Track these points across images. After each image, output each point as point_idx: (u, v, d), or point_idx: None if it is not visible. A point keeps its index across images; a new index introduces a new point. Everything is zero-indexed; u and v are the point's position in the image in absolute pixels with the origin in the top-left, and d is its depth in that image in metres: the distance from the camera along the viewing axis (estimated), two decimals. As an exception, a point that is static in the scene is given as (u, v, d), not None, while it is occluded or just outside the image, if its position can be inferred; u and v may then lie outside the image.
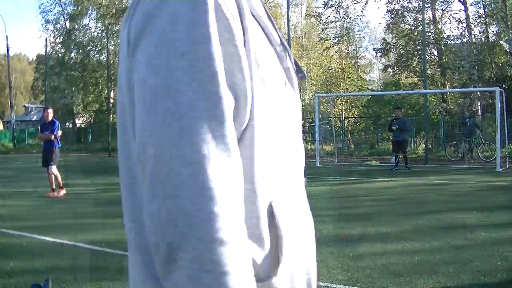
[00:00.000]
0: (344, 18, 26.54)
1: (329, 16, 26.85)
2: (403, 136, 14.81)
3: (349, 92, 27.17)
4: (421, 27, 20.97)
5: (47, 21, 37.73)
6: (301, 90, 38.71)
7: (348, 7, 26.28)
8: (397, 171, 14.27)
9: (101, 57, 34.77)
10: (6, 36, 52.27)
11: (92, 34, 35.49)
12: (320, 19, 27.32)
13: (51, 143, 9.60)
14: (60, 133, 9.86)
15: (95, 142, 32.89)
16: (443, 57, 23.04)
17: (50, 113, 9.66)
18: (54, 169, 9.59)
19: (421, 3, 20.80)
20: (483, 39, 23.26)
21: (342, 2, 25.76)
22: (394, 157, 15.21)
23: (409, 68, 24.85)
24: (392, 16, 24.62)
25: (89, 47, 34.96)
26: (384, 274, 4.35)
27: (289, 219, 0.81)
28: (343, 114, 28.07)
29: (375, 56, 33.57)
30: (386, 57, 27.81)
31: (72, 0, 35.78)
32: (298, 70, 0.92)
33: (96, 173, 15.00)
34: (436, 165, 16.28)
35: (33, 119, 55.98)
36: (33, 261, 4.93)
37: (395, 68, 25.79)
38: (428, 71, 22.66)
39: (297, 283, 0.83)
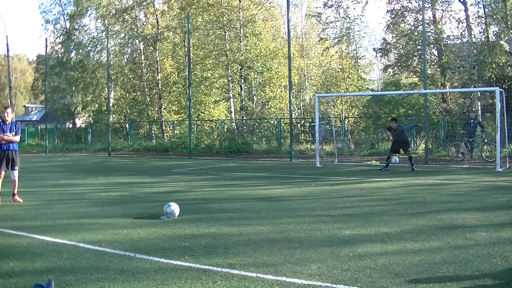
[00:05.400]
0: (344, 18, 26.55)
1: (329, 16, 26.88)
2: (402, 137, 14.78)
3: (349, 92, 27.18)
4: (421, 27, 20.95)
5: (47, 21, 37.84)
6: (301, 90, 38.76)
7: (348, 7, 26.33)
8: (386, 171, 14.32)
9: (101, 57, 34.77)
10: (6, 36, 52.25)
11: (92, 34, 35.54)
12: (320, 19, 27.31)
13: (14, 146, 8.91)
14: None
15: (95, 142, 32.88)
16: (443, 57, 23.02)
17: (10, 113, 8.83)
18: (17, 173, 9.02)
19: (421, 3, 20.79)
20: (483, 39, 23.24)
21: (342, 2, 25.78)
22: (387, 157, 15.19)
23: (409, 68, 24.84)
24: (392, 16, 24.62)
25: (89, 47, 34.96)
26: (384, 274, 4.35)
27: None
28: (343, 114, 28.08)
29: (375, 56, 33.69)
30: (386, 57, 27.80)
31: (72, 0, 35.80)
32: None
33: (96, 173, 15.00)
34: (436, 165, 16.28)
35: (33, 119, 55.97)
36: (33, 261, 4.93)
37: (395, 68, 25.78)
38: (428, 71, 22.64)
39: None
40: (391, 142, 15.55)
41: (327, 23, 27.10)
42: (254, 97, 34.26)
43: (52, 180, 13.08)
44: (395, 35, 25.60)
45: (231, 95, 29.29)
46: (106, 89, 30.67)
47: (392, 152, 15.10)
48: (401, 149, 15.06)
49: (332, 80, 30.34)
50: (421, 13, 21.13)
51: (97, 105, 36.04)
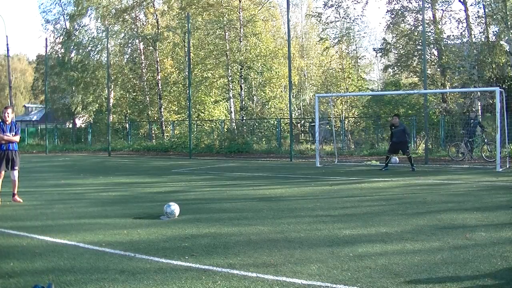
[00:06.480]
0: (344, 18, 26.56)
1: (329, 16, 26.89)
2: (401, 138, 14.65)
3: (349, 92, 27.18)
4: (421, 27, 20.97)
5: (47, 21, 37.81)
6: (301, 90, 38.75)
7: (348, 7, 26.37)
8: (386, 171, 14.33)
9: (101, 57, 34.77)
10: (6, 36, 52.25)
11: (92, 34, 35.53)
12: (320, 19, 27.33)
13: (14, 146, 8.92)
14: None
15: (95, 142, 32.88)
16: (443, 57, 23.02)
17: (10, 113, 8.86)
18: (17, 173, 9.04)
19: (421, 3, 20.80)
20: (483, 39, 23.24)
21: (342, 2, 25.80)
22: (386, 157, 15.18)
23: (409, 68, 24.84)
24: (392, 16, 24.62)
25: (89, 47, 34.95)
26: (384, 274, 4.35)
27: None
28: (343, 114, 28.08)
29: (375, 56, 33.66)
30: (386, 57, 27.80)
31: (72, 0, 35.79)
32: None
33: (96, 173, 15.00)
34: (436, 165, 16.28)
35: (33, 119, 55.96)
36: (33, 261, 4.93)
37: (395, 68, 25.78)
38: (428, 71, 22.64)
39: None
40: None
41: (327, 23, 27.13)
42: (254, 97, 34.26)
43: (52, 180, 13.08)
44: (395, 35, 25.59)
45: (231, 95, 29.29)
46: (106, 89, 30.67)
47: (390, 152, 15.06)
48: (400, 150, 15.02)
49: (332, 80, 30.34)
50: (421, 13, 21.14)
51: (97, 105, 36.06)
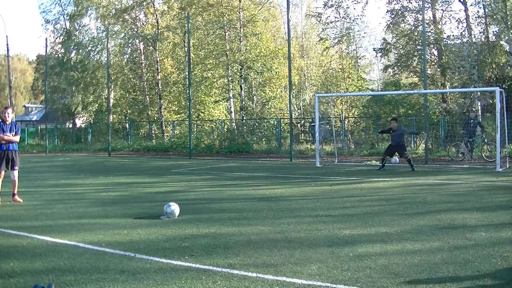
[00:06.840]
0: (344, 18, 26.57)
1: (329, 16, 26.91)
2: (399, 141, 14.52)
3: (349, 92, 27.19)
4: (421, 27, 20.97)
5: (47, 21, 37.82)
6: (301, 90, 38.77)
7: (348, 7, 26.39)
8: (383, 171, 14.33)
9: (101, 57, 34.78)
10: (6, 36, 52.24)
11: (92, 34, 35.55)
12: (320, 19, 27.34)
13: (14, 146, 8.97)
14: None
15: (95, 142, 32.89)
16: (443, 57, 23.04)
17: (10, 113, 8.87)
18: (17, 173, 9.04)
19: (421, 3, 20.81)
20: (483, 39, 23.25)
21: (342, 2, 25.81)
22: (382, 158, 15.14)
23: (409, 68, 24.86)
24: (392, 16, 24.63)
25: (89, 47, 34.97)
26: (384, 274, 4.35)
27: None
28: (343, 114, 28.08)
29: (375, 56, 33.69)
30: (386, 57, 27.82)
31: (72, 0, 35.80)
32: None
33: (96, 173, 15.00)
34: (436, 165, 16.28)
35: (33, 119, 55.97)
36: (33, 261, 4.93)
37: (395, 68, 25.79)
38: (428, 71, 22.66)
39: None
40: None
41: (327, 23, 27.14)
42: (254, 97, 34.26)
43: (52, 180, 13.08)
44: (395, 35, 25.61)
45: (231, 95, 29.30)
46: (106, 89, 30.68)
47: (386, 154, 14.97)
48: (396, 153, 14.98)
49: (332, 80, 30.37)
50: (421, 13, 21.14)
51: (97, 105, 36.07)
